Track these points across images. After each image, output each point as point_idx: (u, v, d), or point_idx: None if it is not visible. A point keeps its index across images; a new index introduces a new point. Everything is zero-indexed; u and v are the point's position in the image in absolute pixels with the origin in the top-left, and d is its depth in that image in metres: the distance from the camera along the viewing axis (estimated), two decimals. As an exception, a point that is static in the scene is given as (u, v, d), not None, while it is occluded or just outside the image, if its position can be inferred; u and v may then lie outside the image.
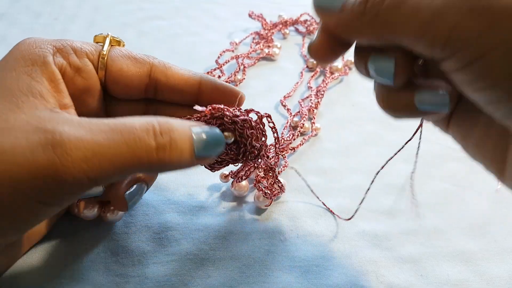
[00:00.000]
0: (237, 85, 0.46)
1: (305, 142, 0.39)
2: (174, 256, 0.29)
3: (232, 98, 0.28)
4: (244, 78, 0.47)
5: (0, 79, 0.22)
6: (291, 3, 0.65)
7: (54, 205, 0.21)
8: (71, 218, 0.30)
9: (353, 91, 0.47)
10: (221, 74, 0.46)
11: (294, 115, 0.41)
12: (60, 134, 0.20)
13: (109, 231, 0.30)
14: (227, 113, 0.26)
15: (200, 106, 0.26)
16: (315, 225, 0.31)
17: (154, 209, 0.32)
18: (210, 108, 0.26)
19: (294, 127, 0.41)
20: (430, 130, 0.42)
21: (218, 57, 0.49)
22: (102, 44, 0.27)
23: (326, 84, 0.46)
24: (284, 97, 0.44)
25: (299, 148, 0.38)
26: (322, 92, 0.45)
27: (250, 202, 0.33)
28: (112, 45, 0.27)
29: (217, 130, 0.24)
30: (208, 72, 0.46)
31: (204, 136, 0.23)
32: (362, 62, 0.23)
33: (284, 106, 0.43)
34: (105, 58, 0.26)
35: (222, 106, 0.26)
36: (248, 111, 0.27)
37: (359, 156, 0.38)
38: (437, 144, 0.40)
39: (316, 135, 0.40)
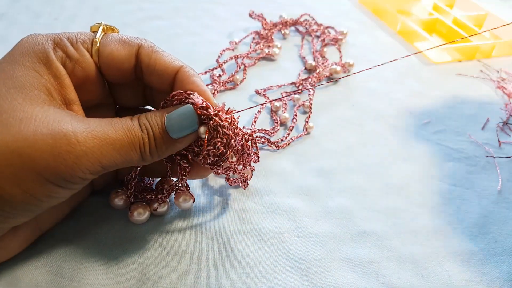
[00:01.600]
0: (237, 84, 0.46)
1: (296, 140, 0.39)
2: (174, 257, 0.29)
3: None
4: (245, 78, 0.47)
5: (10, 71, 0.24)
6: (291, 3, 0.65)
7: (67, 188, 0.23)
8: (75, 217, 0.30)
9: (353, 91, 0.47)
10: (222, 73, 0.46)
11: (272, 100, 0.42)
12: (76, 127, 0.23)
13: (109, 232, 0.30)
14: (195, 99, 0.26)
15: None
16: (315, 225, 0.31)
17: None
18: (176, 93, 0.26)
19: (282, 123, 0.41)
20: (431, 130, 0.42)
21: (219, 56, 0.49)
22: (97, 32, 0.27)
23: (314, 83, 0.46)
24: (264, 89, 0.45)
25: (297, 147, 0.38)
26: (310, 93, 0.45)
27: (250, 202, 0.33)
28: (105, 33, 0.28)
29: (188, 109, 0.25)
30: (208, 71, 0.46)
31: (173, 119, 0.25)
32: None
33: (259, 93, 0.44)
34: (97, 44, 0.27)
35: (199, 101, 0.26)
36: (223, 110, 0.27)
37: (359, 156, 0.38)
38: (437, 144, 0.40)
39: (308, 133, 0.40)
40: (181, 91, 0.26)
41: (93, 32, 0.28)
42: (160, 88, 0.28)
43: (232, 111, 0.27)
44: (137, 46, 0.27)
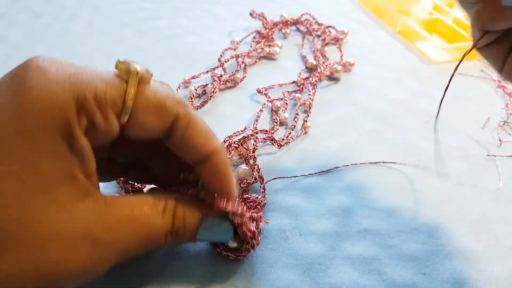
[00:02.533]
0: (237, 83, 0.46)
1: (295, 139, 0.39)
2: (175, 253, 0.28)
3: (222, 194, 0.25)
4: (245, 77, 0.47)
5: (29, 160, 0.19)
6: (291, 3, 0.65)
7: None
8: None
9: (353, 90, 0.47)
10: (223, 73, 0.46)
11: (273, 99, 0.43)
12: (107, 239, 0.21)
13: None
14: (249, 227, 0.25)
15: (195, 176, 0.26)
16: (316, 223, 0.31)
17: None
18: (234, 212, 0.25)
19: (282, 123, 0.41)
20: (431, 129, 0.42)
21: (221, 55, 0.48)
22: (125, 78, 0.22)
23: (315, 82, 0.46)
24: (265, 88, 0.45)
25: (298, 147, 0.38)
26: (311, 93, 0.45)
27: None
28: (137, 83, 0.22)
29: (226, 226, 0.25)
30: (209, 71, 0.46)
31: (210, 230, 0.25)
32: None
33: (261, 92, 0.44)
34: (128, 112, 0.22)
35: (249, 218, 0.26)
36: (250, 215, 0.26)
37: (359, 155, 0.38)
38: (438, 143, 0.40)
39: (306, 133, 0.40)
40: (222, 209, 0.25)
41: (119, 76, 0.22)
42: (183, 158, 0.26)
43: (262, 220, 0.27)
44: (174, 117, 0.23)
